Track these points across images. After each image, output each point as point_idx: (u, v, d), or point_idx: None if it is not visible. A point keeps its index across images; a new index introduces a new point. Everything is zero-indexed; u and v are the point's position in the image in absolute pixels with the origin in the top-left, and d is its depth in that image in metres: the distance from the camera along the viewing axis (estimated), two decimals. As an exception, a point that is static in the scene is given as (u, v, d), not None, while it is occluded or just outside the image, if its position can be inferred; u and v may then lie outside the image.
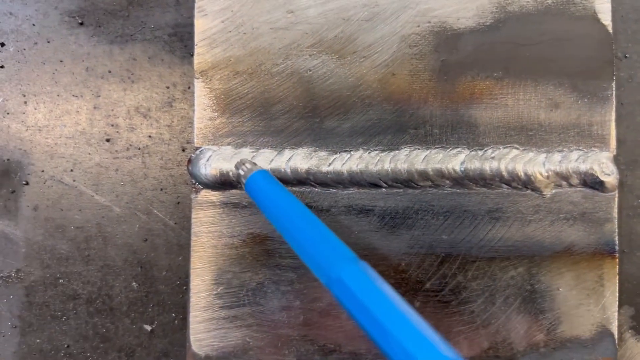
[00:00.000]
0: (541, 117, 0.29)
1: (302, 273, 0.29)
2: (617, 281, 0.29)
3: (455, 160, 0.29)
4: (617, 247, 0.29)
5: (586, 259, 0.29)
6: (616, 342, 0.29)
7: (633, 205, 0.31)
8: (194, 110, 0.29)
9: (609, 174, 0.29)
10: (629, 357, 0.31)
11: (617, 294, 0.29)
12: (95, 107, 0.30)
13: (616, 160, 0.30)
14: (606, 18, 0.30)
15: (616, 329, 0.29)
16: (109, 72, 0.30)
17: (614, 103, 0.30)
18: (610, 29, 0.30)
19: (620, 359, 0.31)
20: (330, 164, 0.29)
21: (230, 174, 0.28)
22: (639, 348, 0.31)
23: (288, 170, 0.29)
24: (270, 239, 0.29)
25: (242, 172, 0.26)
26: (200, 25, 0.29)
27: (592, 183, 0.29)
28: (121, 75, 0.30)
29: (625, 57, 0.31)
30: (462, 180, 0.29)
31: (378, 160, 0.29)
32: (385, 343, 0.18)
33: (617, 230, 0.29)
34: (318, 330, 0.29)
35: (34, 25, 0.30)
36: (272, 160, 0.29)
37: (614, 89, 0.30)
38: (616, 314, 0.29)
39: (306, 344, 0.29)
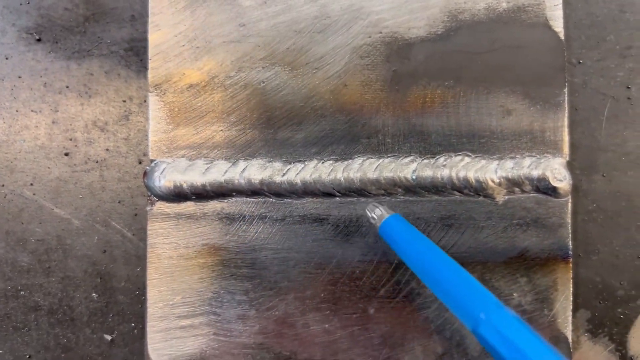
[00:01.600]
0: (493, 125, 0.30)
1: (257, 282, 0.29)
2: (571, 286, 0.30)
3: (408, 168, 0.29)
4: (570, 252, 0.30)
5: (540, 264, 0.30)
6: (570, 346, 0.30)
7: (589, 209, 0.31)
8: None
9: (562, 180, 0.29)
10: (585, 359, 0.31)
11: (572, 299, 0.30)
12: (53, 122, 0.31)
13: (571, 165, 0.31)
14: (558, 25, 0.30)
15: (570, 333, 0.30)
16: (67, 87, 0.31)
17: (567, 109, 0.30)
18: (562, 35, 0.30)
19: (577, 362, 0.31)
20: (284, 175, 0.29)
21: (185, 185, 0.29)
22: (595, 351, 0.31)
23: (242, 181, 0.29)
24: (224, 249, 0.29)
25: (375, 216, 0.28)
26: (154, 40, 0.29)
27: (545, 189, 0.29)
28: (79, 90, 0.31)
29: (579, 63, 0.32)
30: (415, 188, 0.29)
31: (331, 170, 0.29)
32: None
33: (570, 235, 0.30)
34: (273, 339, 0.29)
35: (-9, 42, 0.31)
36: (226, 171, 0.29)
37: (566, 95, 0.30)
38: (570, 318, 0.30)
39: (262, 351, 0.29)
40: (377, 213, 0.28)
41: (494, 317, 0.20)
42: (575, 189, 0.31)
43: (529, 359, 0.19)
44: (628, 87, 0.31)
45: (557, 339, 0.29)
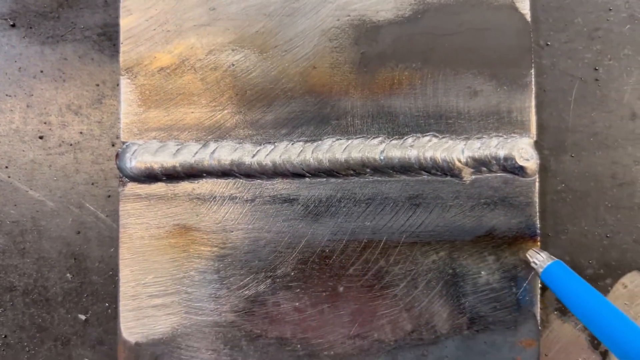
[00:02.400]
0: (460, 106, 0.30)
1: (228, 262, 0.30)
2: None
3: (376, 149, 0.30)
4: (538, 231, 0.30)
5: (508, 243, 0.30)
6: (539, 324, 0.30)
7: (557, 189, 0.32)
8: (122, 107, 0.30)
9: (528, 159, 0.30)
10: (554, 337, 0.32)
11: (539, 278, 0.30)
12: (28, 106, 0.31)
13: (538, 145, 0.31)
14: (524, 7, 0.30)
15: (538, 311, 0.30)
16: (41, 71, 0.31)
17: (534, 90, 0.30)
18: (528, 17, 0.30)
19: (546, 340, 0.32)
20: (254, 156, 0.30)
21: (155, 167, 0.29)
22: (564, 329, 0.32)
23: (213, 162, 0.30)
24: (195, 229, 0.30)
25: (537, 260, 0.29)
26: (126, 24, 0.30)
27: (512, 168, 0.30)
28: (53, 75, 0.31)
29: (547, 45, 0.32)
30: (383, 168, 0.30)
31: (301, 151, 0.30)
32: None
33: (538, 214, 0.30)
34: (244, 317, 0.30)
35: (-34, 28, 0.31)
36: (197, 152, 0.30)
37: (533, 76, 0.30)
38: (538, 296, 0.30)
39: (233, 330, 0.30)
40: (539, 259, 0.29)
41: None
42: (544, 169, 0.32)
43: None
44: (596, 69, 0.32)
45: (526, 318, 0.30)
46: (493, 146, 0.30)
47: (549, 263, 0.28)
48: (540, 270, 0.28)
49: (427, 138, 0.30)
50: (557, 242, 0.32)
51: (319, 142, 0.30)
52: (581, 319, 0.26)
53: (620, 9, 0.32)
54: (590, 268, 0.32)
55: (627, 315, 0.24)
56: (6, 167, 0.31)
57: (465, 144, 0.30)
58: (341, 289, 0.30)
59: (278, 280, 0.30)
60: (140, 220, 0.30)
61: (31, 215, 0.31)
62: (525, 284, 0.30)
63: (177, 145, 0.30)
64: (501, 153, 0.29)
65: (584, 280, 0.27)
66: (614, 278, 0.32)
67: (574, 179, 0.32)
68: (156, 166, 0.29)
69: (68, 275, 0.31)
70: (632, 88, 0.32)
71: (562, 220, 0.32)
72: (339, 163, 0.30)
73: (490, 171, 0.30)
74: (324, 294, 0.30)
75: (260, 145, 0.30)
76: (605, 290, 0.32)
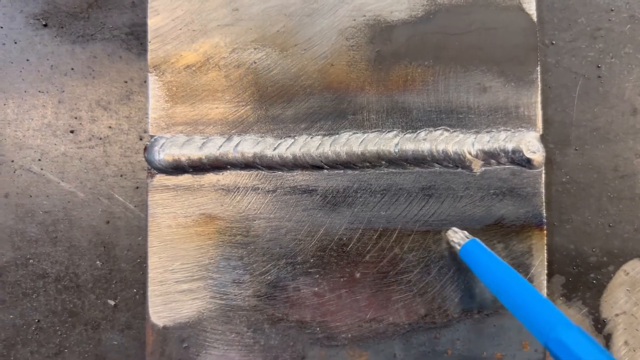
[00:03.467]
0: (470, 101, 0.32)
1: (251, 249, 0.31)
2: (546, 252, 0.32)
3: (391, 142, 0.31)
4: (544, 220, 0.32)
5: (516, 232, 0.32)
6: (545, 307, 0.31)
7: (562, 181, 0.33)
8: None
9: (535, 152, 0.31)
10: (560, 322, 0.33)
11: (546, 264, 0.32)
12: (59, 102, 0.33)
13: (544, 139, 0.33)
14: (530, 8, 0.32)
15: (545, 296, 0.32)
16: (72, 69, 0.33)
17: (539, 86, 0.32)
18: (534, 17, 0.32)
19: (552, 324, 0.33)
20: (275, 149, 0.31)
21: (183, 159, 0.31)
22: (569, 314, 0.33)
23: (236, 155, 0.31)
24: (220, 218, 0.31)
25: (456, 239, 0.30)
26: (153, 24, 0.32)
27: (520, 160, 0.31)
28: (83, 72, 0.33)
29: (552, 44, 0.34)
30: (397, 160, 0.31)
31: (320, 144, 0.31)
32: None
33: (544, 204, 0.32)
34: (266, 301, 0.31)
35: (1, 27, 0.33)
36: (221, 146, 0.31)
37: (539, 73, 0.32)
38: (545, 282, 0.32)
39: (256, 313, 0.31)
40: (458, 237, 0.30)
41: (563, 335, 0.22)
42: (549, 162, 0.33)
43: None
44: (598, 66, 0.33)
45: (533, 302, 0.31)
46: (501, 139, 0.31)
47: (466, 241, 0.30)
48: (459, 247, 0.30)
49: (439, 132, 0.32)
50: (562, 231, 0.33)
51: (337, 135, 0.32)
52: (495, 293, 0.27)
53: (622, 9, 0.33)
54: (593, 256, 0.33)
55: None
56: (39, 160, 0.33)
57: (475, 138, 0.31)
58: (358, 275, 0.32)
59: (298, 266, 0.31)
60: (168, 210, 0.31)
61: (63, 205, 0.33)
62: (532, 270, 0.31)
63: (203, 138, 0.31)
64: (509, 146, 0.31)
65: (498, 257, 0.28)
66: (616, 265, 0.33)
67: (578, 171, 0.33)
68: (183, 158, 0.31)
69: (98, 262, 0.33)
70: (633, 85, 0.33)
71: (566, 210, 0.33)
72: (355, 155, 0.31)
73: (499, 163, 0.32)
74: (342, 279, 0.31)
75: (281, 138, 0.32)
76: (607, 277, 0.33)
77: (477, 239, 0.30)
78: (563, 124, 0.33)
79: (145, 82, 0.33)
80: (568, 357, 0.21)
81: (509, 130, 0.32)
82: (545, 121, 0.33)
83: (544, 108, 0.33)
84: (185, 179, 0.31)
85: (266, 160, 0.31)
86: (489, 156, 0.31)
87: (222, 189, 0.32)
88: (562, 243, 0.33)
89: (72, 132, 0.33)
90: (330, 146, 0.31)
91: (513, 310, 0.25)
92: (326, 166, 0.32)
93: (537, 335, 0.23)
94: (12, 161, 0.33)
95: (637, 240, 0.33)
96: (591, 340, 0.22)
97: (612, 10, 0.33)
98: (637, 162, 0.33)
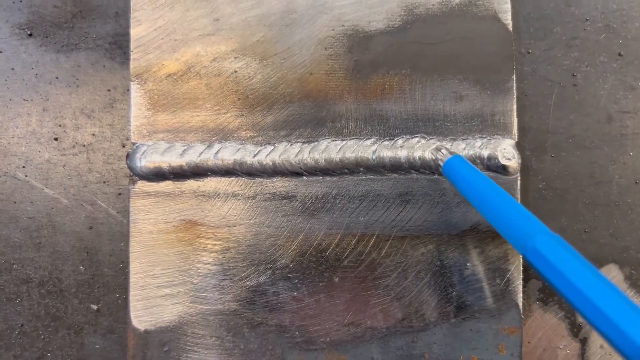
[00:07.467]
0: (447, 109, 0.32)
1: (231, 255, 0.32)
2: (521, 257, 0.32)
3: (369, 149, 0.32)
4: (520, 226, 0.32)
5: (491, 237, 0.32)
6: (521, 312, 0.32)
7: (538, 187, 0.34)
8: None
9: (510, 159, 0.32)
10: (537, 325, 0.34)
11: (522, 269, 0.32)
12: (44, 110, 0.33)
13: (520, 147, 0.33)
14: (506, 18, 0.33)
15: (521, 300, 0.32)
16: (56, 78, 0.34)
17: (515, 94, 0.32)
18: (510, 27, 0.33)
19: (529, 328, 0.34)
20: (255, 156, 0.32)
21: (164, 166, 0.31)
22: (545, 318, 0.34)
23: (217, 162, 0.32)
24: (201, 224, 0.32)
25: (439, 157, 0.30)
26: (136, 34, 0.32)
27: (495, 167, 0.32)
28: (67, 81, 0.33)
29: (528, 52, 0.34)
30: (375, 167, 0.32)
31: (299, 151, 0.32)
32: (581, 304, 0.20)
33: (520, 210, 0.32)
34: (246, 306, 0.32)
35: (-13, 37, 0.34)
36: (202, 153, 0.32)
37: (514, 81, 0.32)
38: (520, 287, 0.32)
39: (235, 318, 0.32)
40: (442, 154, 0.30)
41: (539, 244, 0.21)
42: (526, 168, 0.34)
43: (571, 282, 0.20)
44: (574, 75, 0.34)
45: (509, 306, 0.32)
46: (477, 147, 0.32)
47: (449, 157, 0.30)
48: (441, 164, 0.30)
49: (416, 139, 0.32)
50: (538, 237, 0.34)
51: (316, 143, 0.32)
52: (476, 206, 0.26)
53: (597, 19, 0.34)
54: (569, 261, 0.34)
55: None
56: (23, 166, 0.33)
57: (451, 145, 0.32)
58: (336, 279, 0.32)
59: (278, 271, 0.32)
60: (149, 216, 0.32)
61: (46, 211, 0.33)
62: (508, 275, 0.32)
63: (184, 146, 0.32)
64: (485, 153, 0.32)
65: (481, 172, 0.28)
66: (591, 270, 0.34)
67: (554, 178, 0.34)
68: (164, 165, 0.31)
69: (81, 267, 0.33)
70: (608, 93, 0.34)
71: (543, 216, 0.34)
72: (334, 162, 0.32)
73: (475, 170, 0.32)
74: (321, 284, 0.32)
75: (260, 146, 0.32)
76: (583, 282, 0.34)
77: (461, 155, 0.30)
78: (539, 131, 0.34)
79: (128, 90, 0.34)
80: (544, 266, 0.21)
81: (484, 137, 0.32)
82: (522, 129, 0.34)
83: (520, 116, 0.33)
84: (167, 185, 0.32)
85: (246, 167, 0.32)
86: (465, 163, 0.32)
87: (203, 195, 0.32)
88: (539, 248, 0.34)
89: (56, 139, 0.33)
90: (309, 153, 0.32)
91: (493, 222, 0.25)
92: (305, 173, 0.32)
93: (516, 245, 0.23)
94: (-3, 168, 0.34)
95: (612, 246, 0.34)
96: (569, 249, 0.21)
97: (587, 19, 0.34)
98: (613, 168, 0.34)
